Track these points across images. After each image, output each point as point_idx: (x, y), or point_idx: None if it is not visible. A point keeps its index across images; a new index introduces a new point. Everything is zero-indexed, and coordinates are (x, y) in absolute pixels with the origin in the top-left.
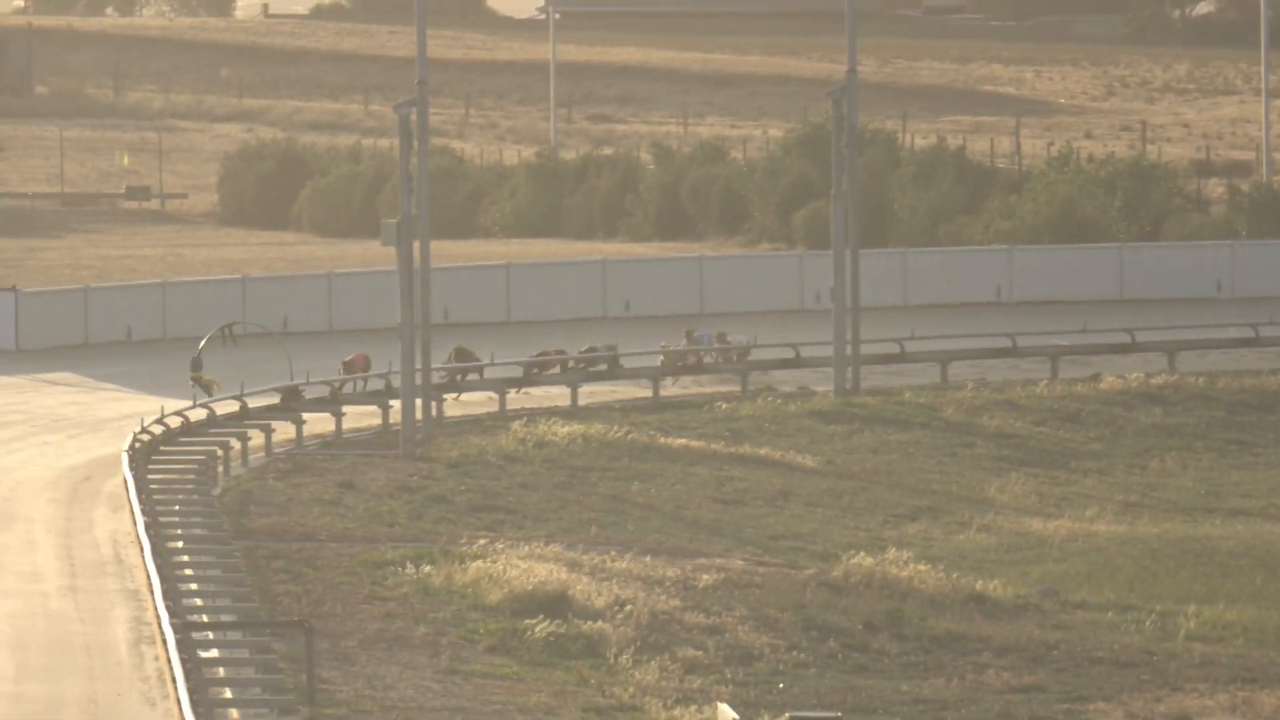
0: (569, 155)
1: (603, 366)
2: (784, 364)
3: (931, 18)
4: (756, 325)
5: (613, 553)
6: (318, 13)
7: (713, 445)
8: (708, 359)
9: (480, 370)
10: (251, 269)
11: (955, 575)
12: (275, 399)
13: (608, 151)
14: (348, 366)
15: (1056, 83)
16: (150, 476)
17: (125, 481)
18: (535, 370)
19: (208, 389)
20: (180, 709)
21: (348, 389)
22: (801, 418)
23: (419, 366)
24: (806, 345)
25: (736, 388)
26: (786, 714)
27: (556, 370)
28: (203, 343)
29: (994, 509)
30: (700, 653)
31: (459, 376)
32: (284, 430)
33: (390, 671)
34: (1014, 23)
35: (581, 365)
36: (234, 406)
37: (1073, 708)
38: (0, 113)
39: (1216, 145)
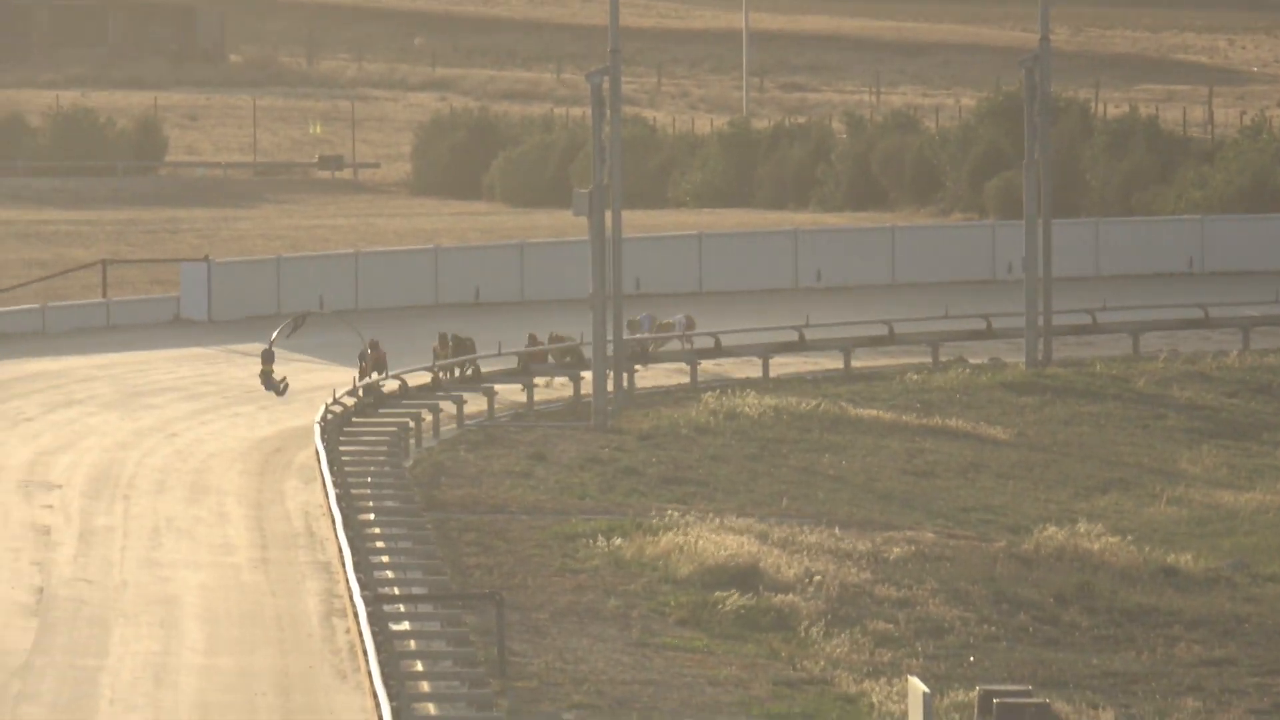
0: (761, 124)
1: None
2: (975, 335)
3: None
4: (948, 296)
5: (803, 525)
6: None
7: (903, 417)
8: (667, 345)
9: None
10: (444, 239)
11: (1146, 548)
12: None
13: (800, 120)
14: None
15: (1249, 51)
16: (342, 448)
17: (317, 453)
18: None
19: (277, 386)
20: (371, 681)
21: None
22: (993, 389)
23: (610, 338)
24: (998, 316)
25: (928, 359)
26: (977, 687)
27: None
28: (274, 334)
29: (1185, 481)
30: (891, 625)
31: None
32: (475, 402)
33: (581, 644)
34: None
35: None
36: (425, 378)
37: (1264, 681)
38: (194, 82)
39: None
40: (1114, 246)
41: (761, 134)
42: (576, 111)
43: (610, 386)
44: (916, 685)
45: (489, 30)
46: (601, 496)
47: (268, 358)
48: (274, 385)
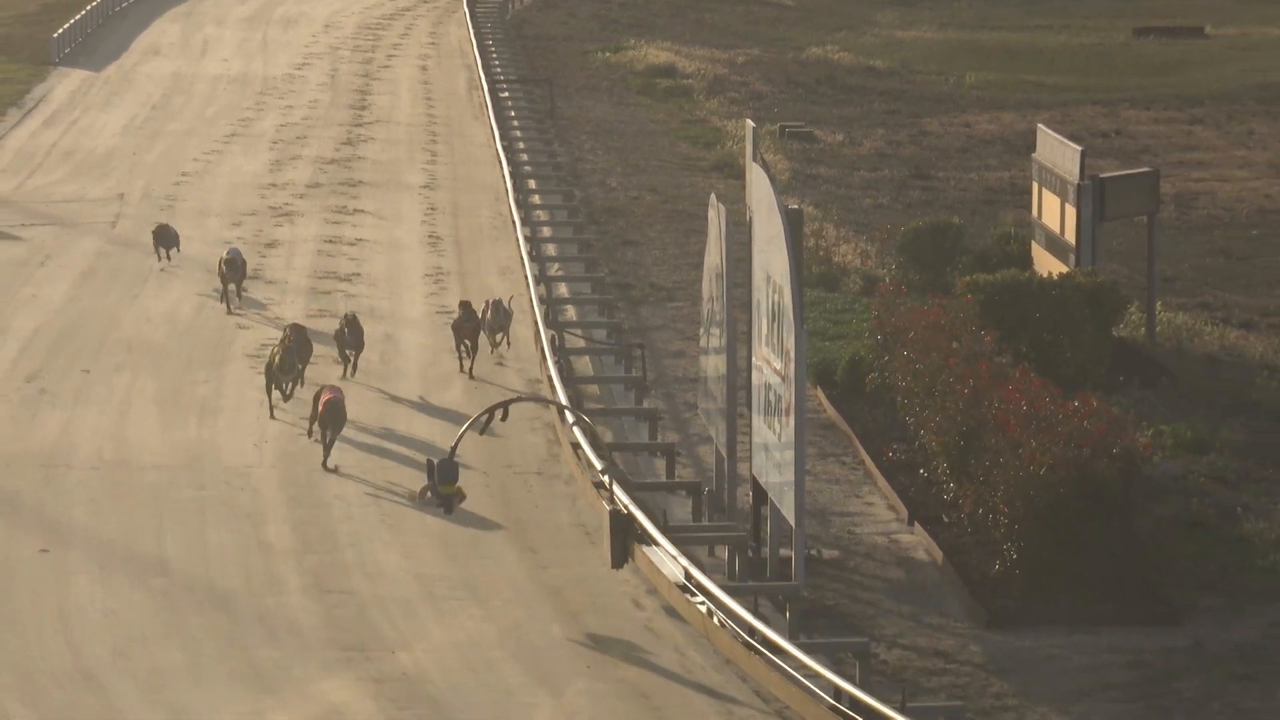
0: None
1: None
2: None
3: None
4: None
5: (696, 47)
6: None
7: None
8: None
9: None
10: None
11: (860, 57)
12: None
13: None
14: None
15: None
16: (477, 9)
17: (465, 12)
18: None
19: (449, 501)
20: (490, 120)
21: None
22: None
23: None
24: None
25: None
26: (779, 124)
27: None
28: (459, 436)
29: (879, 26)
30: (737, 94)
31: None
32: None
33: (590, 103)
34: None
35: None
36: None
37: (917, 121)
38: None
39: None
40: None
41: None
42: None
43: None
44: (749, 123)
45: None
46: (600, 32)
47: (447, 476)
48: (447, 502)
